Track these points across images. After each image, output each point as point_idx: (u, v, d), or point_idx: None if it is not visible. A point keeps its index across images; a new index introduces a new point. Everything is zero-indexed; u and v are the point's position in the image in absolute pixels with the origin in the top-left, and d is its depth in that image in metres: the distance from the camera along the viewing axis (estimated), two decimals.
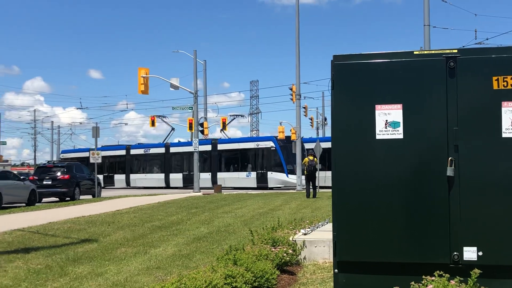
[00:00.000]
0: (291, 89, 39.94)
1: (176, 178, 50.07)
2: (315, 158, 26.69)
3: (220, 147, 47.71)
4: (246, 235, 10.71)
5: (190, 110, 40.43)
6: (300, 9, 37.07)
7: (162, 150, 51.99)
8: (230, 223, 14.46)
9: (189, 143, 49.24)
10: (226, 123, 50.14)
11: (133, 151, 54.65)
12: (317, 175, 26.82)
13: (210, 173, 47.59)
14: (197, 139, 39.29)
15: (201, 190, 38.65)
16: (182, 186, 48.88)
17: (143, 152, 53.71)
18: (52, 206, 23.20)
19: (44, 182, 28.59)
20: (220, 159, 47.86)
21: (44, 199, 28.54)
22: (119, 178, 54.81)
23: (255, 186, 43.88)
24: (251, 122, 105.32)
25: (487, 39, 31.79)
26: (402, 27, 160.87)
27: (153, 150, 53.10)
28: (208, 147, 47.61)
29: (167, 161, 51.14)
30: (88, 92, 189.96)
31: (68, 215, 17.43)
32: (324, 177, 36.88)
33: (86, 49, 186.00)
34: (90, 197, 30.95)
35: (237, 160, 47.12)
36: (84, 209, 20.35)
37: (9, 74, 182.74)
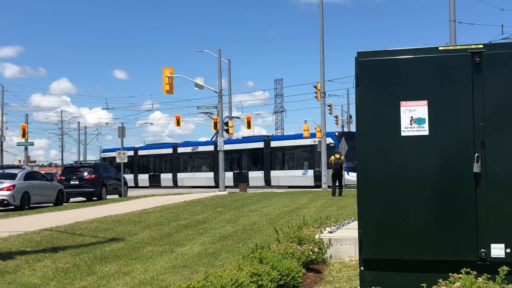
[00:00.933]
0: (315, 87, 39.83)
1: (227, 176, 45.23)
2: (342, 156, 26.64)
3: (274, 144, 45.67)
4: (272, 233, 10.72)
5: (215, 110, 40.55)
6: (324, 6, 36.93)
7: (211, 148, 49.21)
8: (255, 222, 14.49)
9: (239, 140, 48.31)
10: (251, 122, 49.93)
11: (180, 149, 52.72)
12: (343, 173, 26.71)
13: (262, 172, 45.64)
14: (222, 138, 39.41)
15: (227, 188, 38.67)
16: (233, 184, 45.40)
17: (191, 151, 51.72)
18: (79, 206, 23.49)
19: (71, 182, 28.92)
20: (274, 157, 45.84)
21: (72, 199, 28.87)
22: (166, 177, 52.92)
23: (312, 184, 41.63)
24: (275, 120, 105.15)
25: None
26: (427, 22, 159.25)
27: (201, 148, 51.22)
28: (260, 144, 46.01)
29: (216, 159, 46.00)
30: (114, 93, 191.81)
31: (95, 214, 17.63)
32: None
33: (111, 50, 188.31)
34: (116, 196, 31.25)
35: (292, 157, 44.96)
36: (110, 208, 20.57)
37: (36, 75, 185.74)
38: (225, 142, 46.17)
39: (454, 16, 20.69)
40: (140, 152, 56.47)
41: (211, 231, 12.73)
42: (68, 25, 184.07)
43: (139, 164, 55.98)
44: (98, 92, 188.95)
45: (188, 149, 52.15)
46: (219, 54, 41.20)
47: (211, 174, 48.81)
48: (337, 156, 25.98)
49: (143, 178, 54.89)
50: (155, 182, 53.60)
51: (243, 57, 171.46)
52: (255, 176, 45.48)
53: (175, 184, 52.18)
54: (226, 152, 45.62)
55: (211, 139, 53.85)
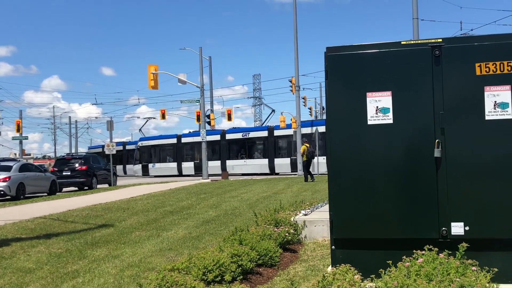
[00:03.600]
0: (290, 81, 39.82)
1: (282, 163, 42.22)
2: (311, 145, 26.72)
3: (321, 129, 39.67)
4: (251, 217, 10.72)
5: (198, 103, 40.40)
6: (297, 5, 36.84)
7: (265, 133, 43.60)
8: (236, 207, 14.48)
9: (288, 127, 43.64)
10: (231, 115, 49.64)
11: (229, 136, 45.52)
12: (314, 161, 26.73)
13: (289, 159, 41.54)
14: (205, 130, 39.24)
15: (229, 176, 38.13)
16: (290, 171, 40.85)
17: (241, 137, 44.99)
18: (71, 195, 23.25)
19: (64, 173, 28.64)
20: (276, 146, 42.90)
21: (64, 189, 28.60)
22: (214, 165, 44.61)
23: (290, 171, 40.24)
24: (254, 113, 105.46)
25: (471, 30, 31.62)
26: (392, 19, 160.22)
27: (253, 134, 44.88)
28: (308, 129, 39.14)
29: (270, 146, 42.66)
30: (102, 88, 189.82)
31: (86, 202, 17.47)
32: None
33: (98, 48, 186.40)
34: (106, 186, 31.01)
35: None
36: (101, 197, 20.40)
37: (28, 73, 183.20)
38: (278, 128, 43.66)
39: (417, 14, 20.80)
40: (184, 140, 49.75)
41: (195, 216, 12.69)
42: (57, 24, 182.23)
43: (182, 153, 49.43)
44: (87, 88, 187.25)
45: (239, 135, 45.42)
46: (200, 51, 40.99)
47: (265, 161, 43.35)
48: (308, 145, 26.04)
49: (188, 166, 48.46)
50: (201, 170, 44.89)
51: (223, 54, 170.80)
52: (282, 163, 42.17)
53: (224, 170, 42.13)
54: (284, 138, 42.74)
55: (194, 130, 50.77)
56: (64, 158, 31.55)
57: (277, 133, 43.19)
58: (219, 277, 5.61)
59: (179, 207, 15.12)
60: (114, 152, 33.29)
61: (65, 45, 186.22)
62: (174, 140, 50.27)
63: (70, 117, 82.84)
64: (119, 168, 52.46)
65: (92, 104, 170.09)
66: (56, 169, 29.31)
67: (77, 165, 29.16)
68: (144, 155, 52.74)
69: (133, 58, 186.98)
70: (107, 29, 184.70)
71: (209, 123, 44.20)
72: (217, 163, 45.79)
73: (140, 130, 63.21)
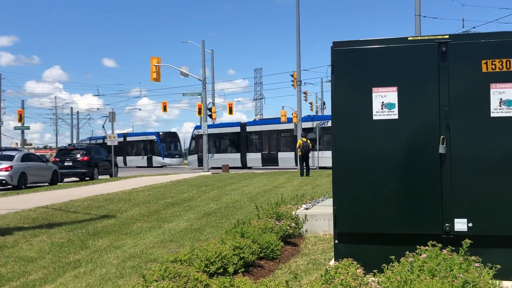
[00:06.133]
0: (292, 76, 39.75)
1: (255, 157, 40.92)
2: (308, 140, 26.64)
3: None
4: (252, 210, 10.70)
5: (199, 96, 40.35)
6: None
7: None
8: (237, 200, 14.46)
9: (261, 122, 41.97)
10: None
11: (304, 124, 36.90)
12: (310, 155, 26.57)
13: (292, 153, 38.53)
14: (206, 123, 39.20)
15: (211, 169, 38.43)
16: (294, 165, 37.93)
17: (326, 125, 36.70)
18: (73, 185, 23.24)
19: (65, 164, 28.64)
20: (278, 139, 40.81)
21: (66, 179, 28.59)
22: (284, 156, 40.57)
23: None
24: (255, 107, 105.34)
25: (473, 27, 31.50)
26: (395, 16, 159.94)
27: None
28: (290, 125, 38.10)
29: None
30: (103, 80, 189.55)
31: (87, 193, 17.45)
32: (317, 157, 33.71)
33: (100, 39, 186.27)
34: (107, 177, 31.01)
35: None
36: (102, 188, 20.38)
37: (30, 63, 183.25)
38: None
39: (419, 10, 20.73)
40: (249, 129, 44.15)
41: (196, 208, 12.68)
42: (59, 15, 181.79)
43: (247, 143, 43.99)
44: (89, 79, 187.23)
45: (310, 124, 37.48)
46: (202, 45, 40.86)
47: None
48: (304, 139, 26.00)
49: (253, 158, 43.21)
50: (271, 163, 41.39)
51: (225, 47, 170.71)
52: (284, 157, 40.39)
53: (296, 164, 36.95)
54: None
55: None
56: (66, 149, 31.50)
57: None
58: (222, 269, 5.60)
59: (180, 199, 15.10)
60: (116, 143, 33.30)
61: (66, 35, 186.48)
62: (237, 129, 44.40)
63: (72, 108, 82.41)
64: (120, 159, 51.91)
65: (94, 95, 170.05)
66: (58, 159, 29.31)
67: (78, 155, 29.14)
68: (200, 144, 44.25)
69: (135, 50, 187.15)
70: (109, 20, 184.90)
71: (210, 116, 44.15)
72: (237, 155, 43.48)
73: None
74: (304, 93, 48.98)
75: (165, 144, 56.72)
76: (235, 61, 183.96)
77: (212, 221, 10.52)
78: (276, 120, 43.41)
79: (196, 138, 46.31)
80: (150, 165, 55.78)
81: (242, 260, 6.07)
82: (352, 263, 4.61)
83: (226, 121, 54.01)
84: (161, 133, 57.34)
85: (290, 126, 40.75)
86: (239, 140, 44.45)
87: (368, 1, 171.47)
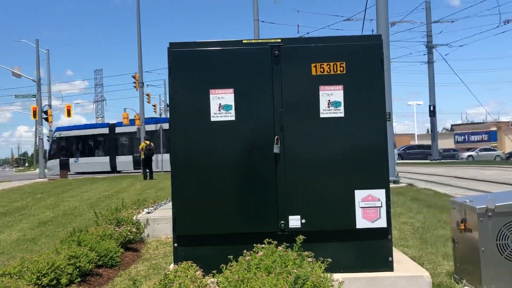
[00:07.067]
0: (134, 77, 39.02)
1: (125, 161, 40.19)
2: (151, 143, 26.39)
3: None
4: (92, 217, 10.28)
5: (34, 98, 38.07)
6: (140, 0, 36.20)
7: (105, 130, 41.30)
8: (76, 206, 13.83)
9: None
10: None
11: (148, 127, 37.82)
12: (153, 158, 26.30)
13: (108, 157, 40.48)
14: (42, 127, 37.06)
15: (47, 176, 36.48)
16: (133, 169, 39.05)
17: (162, 127, 36.47)
18: None
19: None
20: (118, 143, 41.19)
21: None
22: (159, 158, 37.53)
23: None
24: (96, 109, 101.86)
25: (307, 33, 33.33)
26: (236, 20, 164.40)
27: (93, 131, 41.85)
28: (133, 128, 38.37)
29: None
30: None
31: None
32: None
33: None
34: None
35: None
36: None
37: None
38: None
39: (258, 15, 21.46)
40: (119, 130, 42.16)
41: (30, 217, 11.90)
42: None
43: (117, 145, 42.39)
44: None
45: (156, 127, 37.82)
46: (37, 44, 38.60)
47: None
48: (147, 142, 25.74)
49: (124, 161, 41.52)
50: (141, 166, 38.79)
51: (62, 47, 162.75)
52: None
53: (63, 169, 39.42)
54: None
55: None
56: None
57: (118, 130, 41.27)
58: (55, 281, 5.28)
59: (13, 208, 14.08)
60: None
61: None
62: (106, 130, 42.40)
63: None
64: None
65: None
66: None
67: None
68: (62, 149, 43.09)
69: None
70: None
71: (46, 119, 41.74)
72: (106, 159, 41.39)
73: None
74: (147, 95, 48.33)
75: None
76: (73, 61, 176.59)
77: (48, 230, 9.93)
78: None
79: (58, 141, 43.12)
80: None
81: (78, 270, 5.79)
82: (192, 266, 4.58)
83: (88, 123, 51.17)
84: None
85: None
86: (107, 143, 42.12)
87: (210, 5, 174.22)
